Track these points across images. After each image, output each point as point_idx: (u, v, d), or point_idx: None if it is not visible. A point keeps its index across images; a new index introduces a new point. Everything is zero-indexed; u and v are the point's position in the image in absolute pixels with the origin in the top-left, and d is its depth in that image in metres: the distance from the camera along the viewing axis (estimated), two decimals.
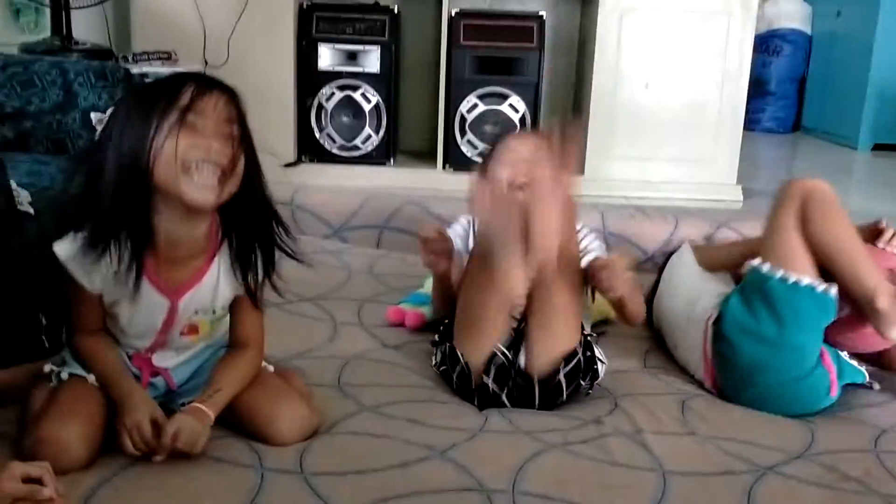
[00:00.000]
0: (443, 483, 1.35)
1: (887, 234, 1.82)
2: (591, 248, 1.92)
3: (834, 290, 1.62)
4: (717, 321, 1.72)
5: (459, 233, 2.02)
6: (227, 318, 1.52)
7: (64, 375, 1.44)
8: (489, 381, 1.61)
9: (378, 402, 1.59)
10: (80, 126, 2.23)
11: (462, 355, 1.64)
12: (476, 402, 1.63)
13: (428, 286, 2.08)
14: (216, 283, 1.44)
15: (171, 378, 1.49)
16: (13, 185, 1.75)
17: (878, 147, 5.76)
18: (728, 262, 1.96)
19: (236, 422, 1.44)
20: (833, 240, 1.64)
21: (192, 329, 1.47)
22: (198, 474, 1.33)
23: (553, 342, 1.61)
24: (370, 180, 3.75)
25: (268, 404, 1.45)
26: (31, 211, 1.77)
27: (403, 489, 1.32)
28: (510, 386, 1.61)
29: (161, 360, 1.49)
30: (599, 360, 1.68)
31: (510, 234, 1.47)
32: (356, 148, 3.95)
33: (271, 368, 1.56)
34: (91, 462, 1.33)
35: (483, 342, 1.61)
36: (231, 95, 1.36)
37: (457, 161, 3.93)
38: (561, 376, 1.60)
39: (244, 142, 1.36)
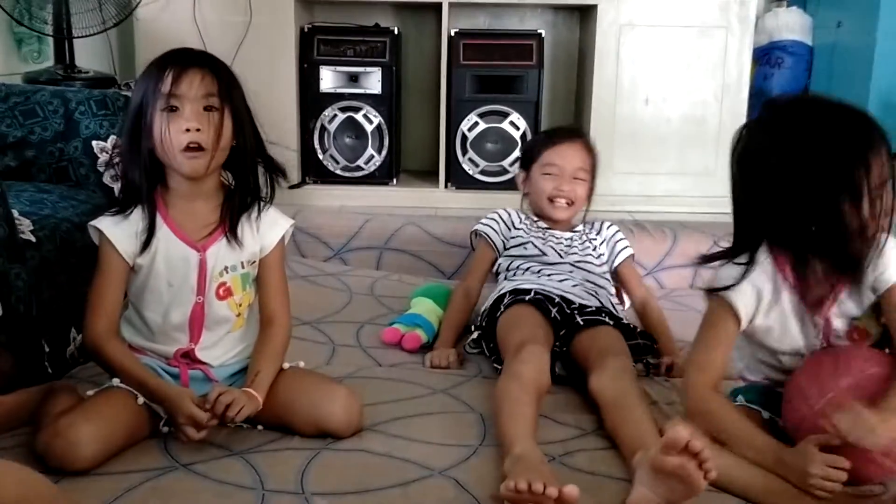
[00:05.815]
0: (443, 502, 1.35)
1: None
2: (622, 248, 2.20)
3: None
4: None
5: (497, 224, 2.19)
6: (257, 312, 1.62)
7: (114, 382, 1.51)
8: None
9: (376, 420, 1.60)
10: (82, 154, 2.25)
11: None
12: None
13: (415, 306, 2.08)
14: (237, 235, 1.55)
15: (211, 373, 1.57)
16: (15, 213, 1.77)
17: None
18: None
19: (288, 418, 1.53)
20: None
21: (227, 291, 1.55)
22: (200, 497, 1.35)
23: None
24: (374, 200, 3.77)
25: (318, 392, 1.54)
26: (33, 239, 1.80)
27: None
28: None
29: (204, 352, 1.56)
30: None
31: None
32: (359, 168, 3.97)
33: (302, 364, 1.65)
34: (100, 464, 1.39)
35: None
36: (210, 68, 1.50)
37: (459, 179, 3.94)
38: None
39: (229, 106, 1.51)
